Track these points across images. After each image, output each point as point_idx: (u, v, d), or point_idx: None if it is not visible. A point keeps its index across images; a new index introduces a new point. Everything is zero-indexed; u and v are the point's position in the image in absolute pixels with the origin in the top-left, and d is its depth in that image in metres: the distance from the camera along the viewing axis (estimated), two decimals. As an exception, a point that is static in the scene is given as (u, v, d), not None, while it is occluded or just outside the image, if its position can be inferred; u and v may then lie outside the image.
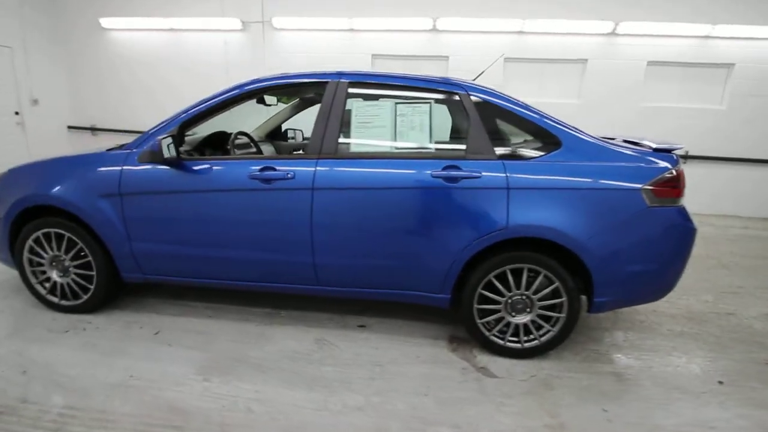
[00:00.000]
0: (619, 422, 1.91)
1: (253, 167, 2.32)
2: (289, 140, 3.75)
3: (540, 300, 2.25)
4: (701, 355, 2.47)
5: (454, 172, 2.18)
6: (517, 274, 2.24)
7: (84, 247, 2.53)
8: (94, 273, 2.57)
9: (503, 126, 2.33)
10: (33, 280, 2.65)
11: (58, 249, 2.57)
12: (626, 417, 1.94)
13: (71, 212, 2.46)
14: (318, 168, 2.27)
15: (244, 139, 3.11)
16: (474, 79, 2.63)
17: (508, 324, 2.31)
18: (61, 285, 2.63)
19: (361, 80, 2.41)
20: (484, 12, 5.53)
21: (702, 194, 5.45)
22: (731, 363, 2.40)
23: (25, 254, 2.60)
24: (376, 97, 2.41)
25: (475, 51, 5.69)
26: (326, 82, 2.40)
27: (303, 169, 2.28)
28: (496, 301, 2.28)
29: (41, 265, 2.63)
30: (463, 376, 2.20)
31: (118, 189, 2.41)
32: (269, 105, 3.26)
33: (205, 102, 2.46)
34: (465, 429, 1.84)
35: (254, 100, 2.86)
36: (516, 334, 2.31)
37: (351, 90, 2.37)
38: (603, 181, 2.12)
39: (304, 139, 3.79)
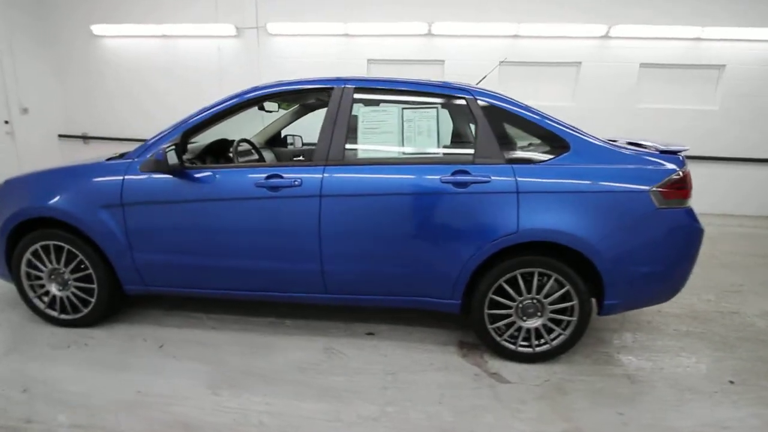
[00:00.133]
0: (634, 425, 1.91)
1: (260, 175, 2.28)
2: (288, 146, 3.72)
3: (551, 304, 2.24)
4: (709, 355, 2.48)
5: (463, 177, 2.17)
6: (526, 278, 2.23)
7: (84, 260, 2.47)
8: (95, 286, 2.50)
9: (510, 130, 2.33)
10: (31, 294, 2.58)
11: (57, 262, 2.51)
12: (641, 419, 1.94)
13: (71, 224, 2.40)
14: (325, 175, 2.24)
15: (245, 146, 3.07)
16: (477, 84, 2.63)
17: (519, 328, 2.29)
18: (61, 298, 2.56)
19: (366, 86, 2.40)
20: (479, 16, 5.55)
21: (697, 194, 5.51)
22: (739, 362, 2.41)
23: (23, 267, 2.53)
24: (382, 103, 2.40)
25: (471, 55, 5.70)
26: (332, 88, 2.38)
27: (310, 176, 2.25)
28: (507, 306, 2.27)
29: (39, 278, 2.56)
30: (476, 383, 2.18)
31: (120, 199, 2.36)
32: (270, 111, 3.23)
33: (209, 109, 2.42)
34: (483, 437, 1.82)
35: (256, 107, 2.83)
36: (527, 338, 2.30)
37: (357, 96, 2.36)
38: (612, 184, 2.12)
39: (303, 144, 3.76)
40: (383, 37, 5.81)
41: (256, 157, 3.10)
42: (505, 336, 2.31)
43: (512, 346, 2.31)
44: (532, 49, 5.67)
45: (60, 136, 6.73)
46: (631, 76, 5.64)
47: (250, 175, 2.30)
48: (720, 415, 1.98)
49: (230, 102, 2.43)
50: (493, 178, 2.16)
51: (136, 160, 2.40)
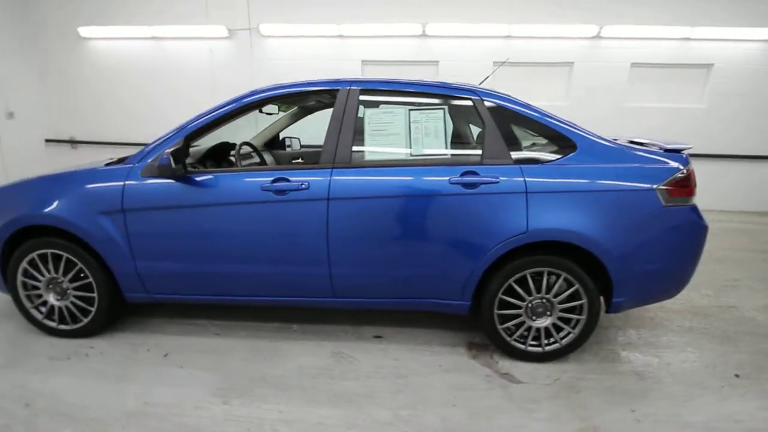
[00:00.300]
0: (648, 421, 1.92)
1: (265, 179, 2.25)
2: (286, 149, 3.68)
3: (560, 303, 2.25)
4: (713, 349, 2.52)
5: (472, 178, 2.17)
6: (535, 277, 2.24)
7: (84, 268, 2.40)
8: (95, 294, 2.44)
9: (517, 130, 2.34)
10: (28, 305, 2.50)
11: (55, 270, 2.44)
12: (655, 416, 1.96)
13: (69, 231, 2.33)
14: (333, 177, 2.22)
15: (246, 150, 3.03)
16: (480, 84, 2.63)
17: (528, 328, 2.30)
18: (59, 308, 2.48)
19: (373, 87, 2.38)
20: (473, 17, 5.58)
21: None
22: (743, 356, 2.45)
23: (19, 277, 2.45)
24: (389, 105, 2.38)
25: (465, 56, 5.73)
26: (337, 90, 2.36)
27: (317, 179, 2.22)
28: (517, 306, 2.27)
29: (37, 288, 2.48)
30: (488, 384, 2.18)
31: (120, 205, 2.30)
32: (270, 114, 3.19)
33: (211, 113, 2.38)
34: (500, 438, 1.81)
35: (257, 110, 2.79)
36: (537, 338, 2.30)
37: (363, 98, 2.34)
38: (619, 183, 2.14)
39: (301, 147, 3.73)
40: (377, 39, 5.80)
41: (257, 160, 3.06)
42: (515, 336, 2.31)
43: (522, 346, 2.31)
44: (524, 50, 5.71)
45: (47, 140, 6.57)
46: (622, 75, 5.73)
47: (256, 179, 2.27)
48: (730, 408, 2.01)
49: (232, 105, 2.39)
50: (502, 178, 2.16)
51: (136, 165, 2.35)
